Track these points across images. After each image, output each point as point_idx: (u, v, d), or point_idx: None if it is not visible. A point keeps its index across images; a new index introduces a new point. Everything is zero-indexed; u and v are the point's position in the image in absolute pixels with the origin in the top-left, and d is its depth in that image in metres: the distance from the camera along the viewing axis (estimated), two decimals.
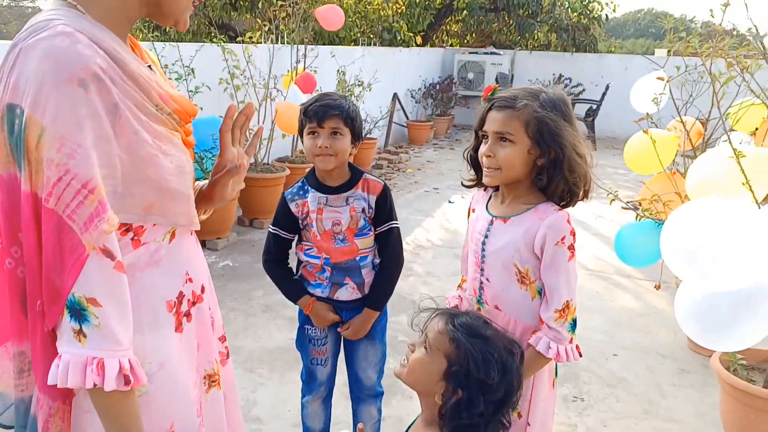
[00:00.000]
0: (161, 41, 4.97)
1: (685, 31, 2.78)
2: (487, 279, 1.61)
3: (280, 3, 5.95)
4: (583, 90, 11.19)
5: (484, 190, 1.69)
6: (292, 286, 2.08)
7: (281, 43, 6.09)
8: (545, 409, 1.57)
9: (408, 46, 10.86)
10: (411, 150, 9.37)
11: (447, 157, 9.01)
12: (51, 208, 0.96)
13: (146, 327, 1.13)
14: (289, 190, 2.04)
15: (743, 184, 2.09)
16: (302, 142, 1.99)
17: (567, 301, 1.50)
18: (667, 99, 3.05)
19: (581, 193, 1.54)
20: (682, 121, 3.20)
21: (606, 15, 13.34)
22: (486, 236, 1.60)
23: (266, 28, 6.04)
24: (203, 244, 1.25)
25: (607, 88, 9.84)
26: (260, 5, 8.51)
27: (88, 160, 0.97)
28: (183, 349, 1.21)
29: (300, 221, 2.02)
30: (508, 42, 13.47)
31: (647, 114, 3.05)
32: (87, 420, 1.10)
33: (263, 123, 5.44)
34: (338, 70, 6.93)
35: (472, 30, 13.89)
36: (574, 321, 1.52)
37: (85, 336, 1.00)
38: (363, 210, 1.97)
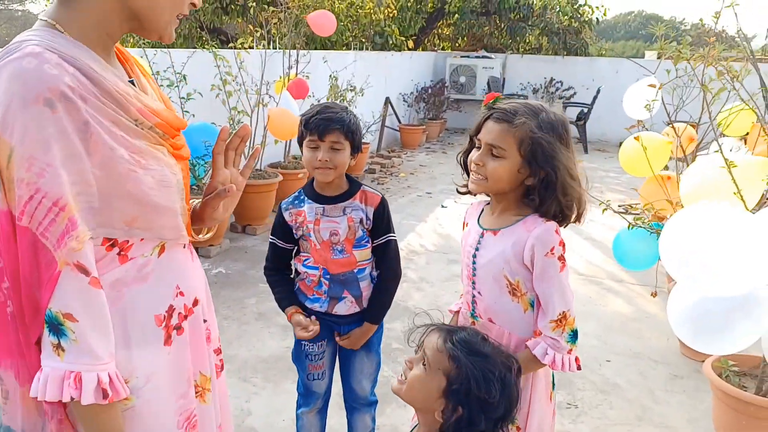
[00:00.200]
0: (152, 47, 4.95)
1: (675, 36, 2.80)
2: (479, 292, 1.61)
3: (272, 9, 5.95)
4: (575, 93, 11.25)
5: (478, 204, 1.70)
6: (282, 294, 2.07)
7: (273, 48, 6.08)
8: (541, 421, 1.57)
9: (400, 50, 10.88)
10: (404, 154, 9.39)
11: (439, 161, 9.02)
12: (25, 226, 0.99)
13: (133, 342, 1.14)
14: (286, 199, 2.05)
15: (735, 193, 2.11)
16: (301, 151, 1.99)
17: (563, 311, 1.50)
18: (659, 104, 3.07)
19: (574, 216, 1.54)
20: (673, 127, 3.23)
21: (597, 18, 13.41)
22: (477, 249, 1.60)
23: (258, 34, 6.03)
24: (195, 251, 1.24)
25: (598, 91, 9.89)
26: (251, 10, 8.50)
27: (57, 178, 0.99)
28: (172, 363, 1.22)
29: (294, 230, 2.02)
30: (499, 45, 13.51)
31: (638, 122, 3.07)
32: None
33: (255, 129, 5.43)
34: (330, 76, 6.93)
35: (464, 34, 13.94)
36: (574, 332, 1.52)
37: (63, 350, 1.02)
38: (361, 221, 1.97)
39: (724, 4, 2.40)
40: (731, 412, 2.44)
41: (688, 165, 3.08)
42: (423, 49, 13.16)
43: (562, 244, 1.51)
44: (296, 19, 6.16)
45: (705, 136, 3.73)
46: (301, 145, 1.98)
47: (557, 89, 11.44)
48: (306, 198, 2.01)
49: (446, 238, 5.44)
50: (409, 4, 12.14)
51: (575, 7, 13.01)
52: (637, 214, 2.96)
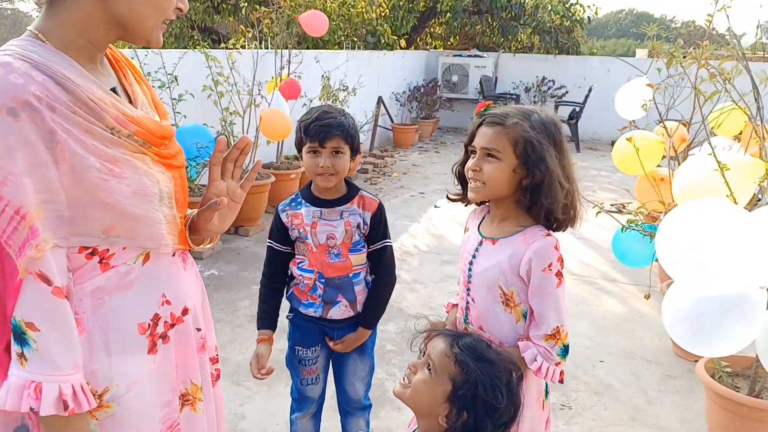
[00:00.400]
0: (143, 48, 4.92)
1: (666, 36, 2.80)
2: (473, 299, 1.61)
3: (263, 8, 5.92)
4: (566, 92, 11.27)
5: (480, 210, 1.69)
6: (264, 313, 2.06)
7: (265, 48, 6.06)
8: (532, 428, 1.56)
9: (392, 49, 10.86)
10: (396, 153, 9.38)
11: (432, 160, 9.02)
12: None
13: (114, 349, 1.14)
14: (283, 201, 2.05)
15: (727, 196, 2.11)
16: (299, 156, 1.98)
17: (557, 326, 1.50)
18: (651, 104, 3.07)
19: (565, 219, 1.54)
20: (665, 127, 3.23)
21: (588, 17, 13.45)
22: (474, 256, 1.60)
23: (250, 34, 6.00)
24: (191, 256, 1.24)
25: (590, 90, 9.91)
26: (243, 9, 8.47)
27: (20, 187, 0.99)
28: (156, 371, 1.22)
29: (289, 231, 2.01)
30: (491, 44, 13.52)
31: (630, 122, 3.07)
32: None
33: (248, 130, 5.41)
34: (323, 75, 6.91)
35: (456, 32, 13.94)
36: (566, 347, 1.52)
37: (26, 359, 1.03)
38: (358, 225, 1.96)
39: (716, 6, 2.40)
40: (724, 413, 2.45)
41: (679, 164, 3.09)
42: (415, 48, 13.16)
43: (561, 260, 1.51)
44: (288, 18, 6.14)
45: (696, 135, 3.74)
46: (299, 150, 1.97)
47: (549, 88, 11.46)
48: (303, 201, 2.00)
49: (439, 238, 5.44)
50: (401, 3, 12.13)
51: (567, 5, 13.05)
52: (631, 218, 2.96)
